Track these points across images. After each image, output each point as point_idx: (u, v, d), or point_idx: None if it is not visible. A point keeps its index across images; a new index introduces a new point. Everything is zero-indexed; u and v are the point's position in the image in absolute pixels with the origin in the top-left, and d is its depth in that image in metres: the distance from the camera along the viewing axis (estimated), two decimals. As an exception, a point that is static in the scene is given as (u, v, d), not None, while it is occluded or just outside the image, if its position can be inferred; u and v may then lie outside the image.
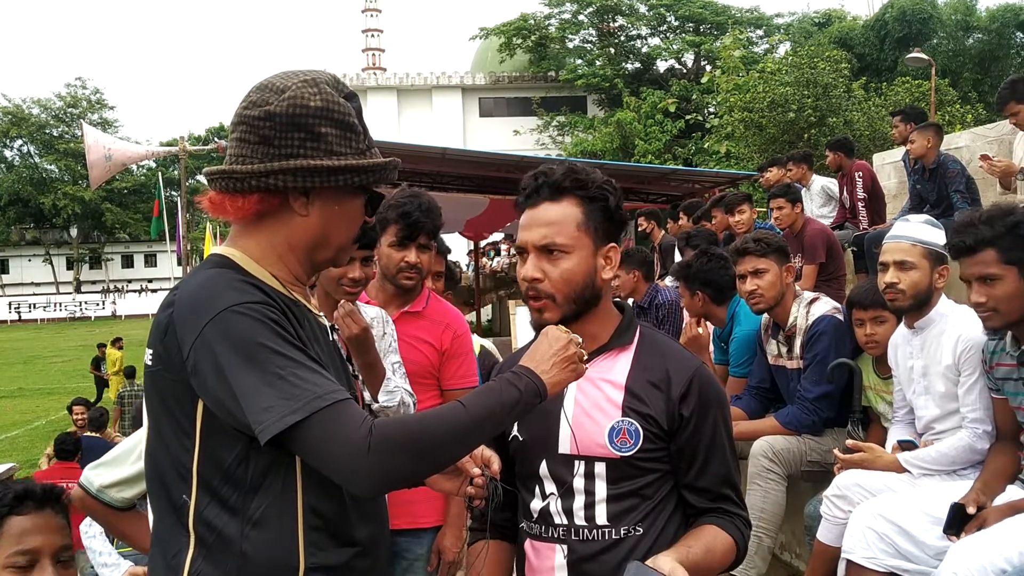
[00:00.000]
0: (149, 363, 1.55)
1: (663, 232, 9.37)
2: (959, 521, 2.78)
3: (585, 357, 1.71)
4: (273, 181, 1.53)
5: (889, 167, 9.23)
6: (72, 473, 7.79)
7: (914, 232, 3.27)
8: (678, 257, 7.09)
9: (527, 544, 1.96)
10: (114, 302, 49.44)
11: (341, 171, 1.56)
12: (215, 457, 1.49)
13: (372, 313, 2.82)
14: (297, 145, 1.53)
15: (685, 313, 5.50)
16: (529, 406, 1.60)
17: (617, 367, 1.92)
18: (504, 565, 2.09)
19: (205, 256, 1.66)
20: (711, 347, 4.49)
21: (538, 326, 1.89)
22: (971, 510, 2.78)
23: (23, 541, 1.83)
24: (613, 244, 1.91)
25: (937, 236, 3.26)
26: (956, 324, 3.19)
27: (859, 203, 7.77)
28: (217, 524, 1.49)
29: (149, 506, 1.60)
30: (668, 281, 7.89)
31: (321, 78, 1.58)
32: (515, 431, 1.97)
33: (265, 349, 1.42)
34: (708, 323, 4.51)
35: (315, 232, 1.62)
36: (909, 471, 3.21)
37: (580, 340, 1.70)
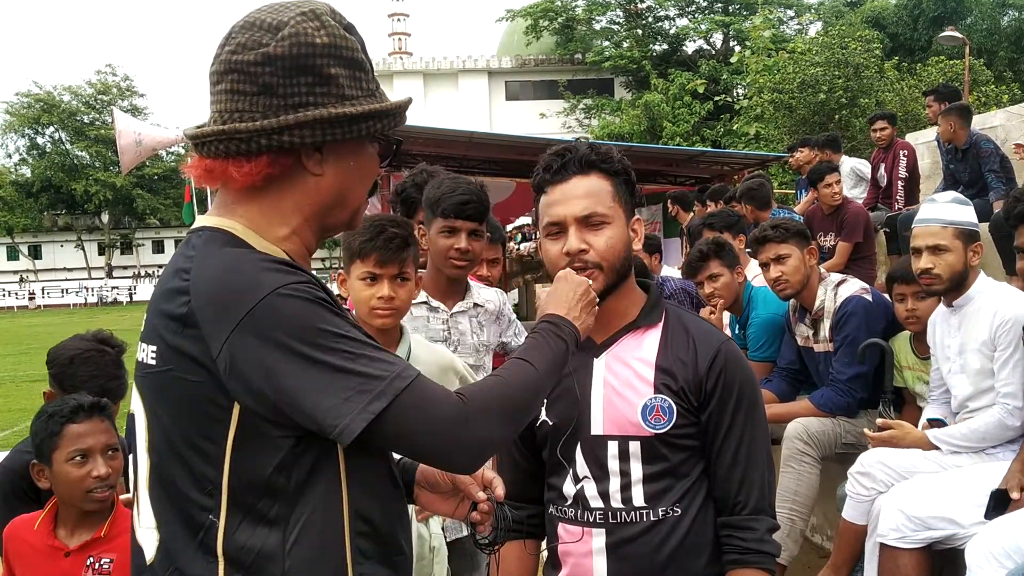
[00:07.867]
0: (152, 363, 1.34)
1: (690, 215, 9.33)
2: (1001, 506, 2.75)
3: (598, 300, 1.73)
4: (288, 138, 1.30)
5: (922, 147, 9.08)
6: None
7: (943, 213, 3.22)
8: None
9: (560, 528, 1.93)
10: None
11: (362, 118, 1.34)
12: (252, 467, 1.29)
13: (488, 295, 3.01)
14: (305, 92, 1.31)
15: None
16: (571, 355, 1.58)
17: (646, 344, 1.90)
18: (528, 565, 2.07)
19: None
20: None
21: None
22: (1015, 495, 2.74)
23: (78, 442, 2.31)
24: (638, 216, 1.93)
25: (967, 214, 3.22)
26: (993, 300, 3.17)
27: (899, 181, 7.70)
28: (254, 544, 1.29)
29: (142, 510, 1.40)
30: (673, 270, 7.81)
31: (320, 8, 1.35)
32: (543, 415, 1.95)
33: (327, 334, 1.25)
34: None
35: (330, 192, 1.40)
36: (938, 448, 3.20)
37: (591, 282, 1.74)
